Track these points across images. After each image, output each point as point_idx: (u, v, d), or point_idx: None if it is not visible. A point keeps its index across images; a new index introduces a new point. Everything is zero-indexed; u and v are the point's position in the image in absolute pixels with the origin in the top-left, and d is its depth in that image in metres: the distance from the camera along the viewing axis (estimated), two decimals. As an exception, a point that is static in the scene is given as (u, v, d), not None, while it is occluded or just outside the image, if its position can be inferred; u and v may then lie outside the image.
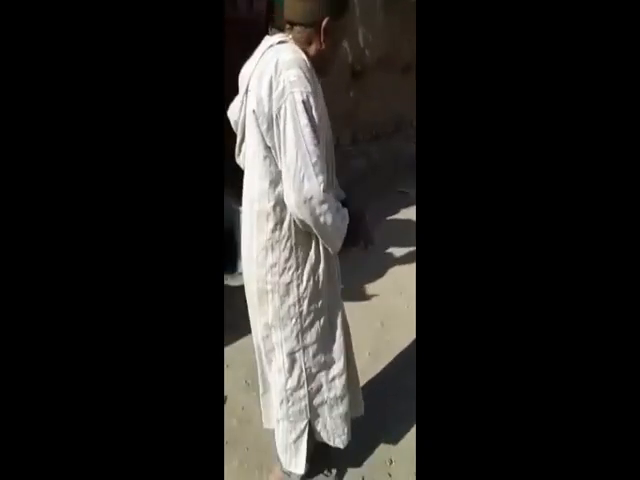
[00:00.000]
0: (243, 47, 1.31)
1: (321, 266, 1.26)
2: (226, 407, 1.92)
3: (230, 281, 2.85)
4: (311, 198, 1.08)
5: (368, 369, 2.11)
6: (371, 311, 2.54)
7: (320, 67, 1.16)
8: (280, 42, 1.15)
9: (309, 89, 1.05)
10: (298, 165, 1.07)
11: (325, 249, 1.25)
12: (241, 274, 1.42)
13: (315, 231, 1.16)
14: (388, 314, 2.57)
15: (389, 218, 3.85)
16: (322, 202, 1.09)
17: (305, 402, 1.40)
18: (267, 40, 1.19)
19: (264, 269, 1.27)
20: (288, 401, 1.40)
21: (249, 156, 1.23)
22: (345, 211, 1.19)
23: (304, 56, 1.12)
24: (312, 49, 1.15)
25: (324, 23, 1.11)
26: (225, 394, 1.98)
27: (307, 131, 1.05)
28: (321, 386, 1.40)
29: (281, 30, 1.19)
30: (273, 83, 1.07)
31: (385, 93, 4.40)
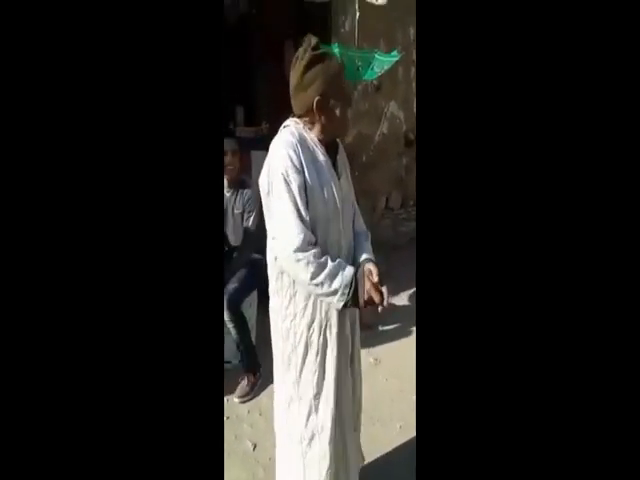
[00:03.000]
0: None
1: (316, 322, 1.33)
2: (254, 455, 1.94)
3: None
4: (288, 256, 1.22)
5: (397, 442, 2.03)
6: (408, 384, 2.47)
7: (334, 134, 1.35)
8: (285, 126, 1.33)
9: (289, 166, 1.22)
10: (280, 226, 1.25)
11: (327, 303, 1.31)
12: None
13: (300, 285, 1.29)
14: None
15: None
16: (297, 260, 1.21)
17: (302, 460, 1.42)
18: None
19: (273, 313, 1.41)
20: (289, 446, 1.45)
21: None
22: (340, 267, 1.23)
23: (301, 136, 1.28)
24: (316, 128, 1.31)
25: (314, 104, 1.25)
26: (255, 442, 2.00)
27: (286, 200, 1.22)
28: (314, 454, 1.41)
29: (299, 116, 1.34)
30: (269, 161, 1.27)
31: (437, 160, 4.48)
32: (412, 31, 4.17)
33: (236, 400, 2.21)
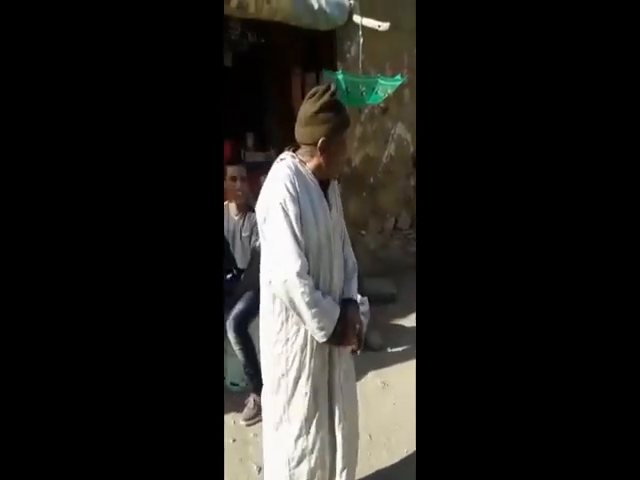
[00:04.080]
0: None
1: (309, 345, 1.38)
2: (259, 478, 1.92)
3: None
4: (285, 281, 1.27)
5: (403, 467, 2.00)
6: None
7: (326, 174, 1.42)
8: (282, 159, 1.41)
9: (287, 197, 1.30)
10: (276, 254, 1.31)
11: None
12: None
13: (292, 311, 1.33)
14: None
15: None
16: (295, 286, 1.26)
17: None
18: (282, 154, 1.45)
19: (263, 337, 1.45)
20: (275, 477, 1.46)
21: None
22: (330, 306, 1.33)
23: (297, 169, 1.36)
24: (312, 162, 1.39)
25: (319, 143, 1.34)
26: (260, 465, 1.97)
27: (284, 228, 1.29)
28: (302, 475, 1.42)
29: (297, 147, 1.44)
30: (267, 191, 1.35)
31: (446, 180, 4.48)
32: (418, 55, 4.25)
33: (242, 423, 2.22)
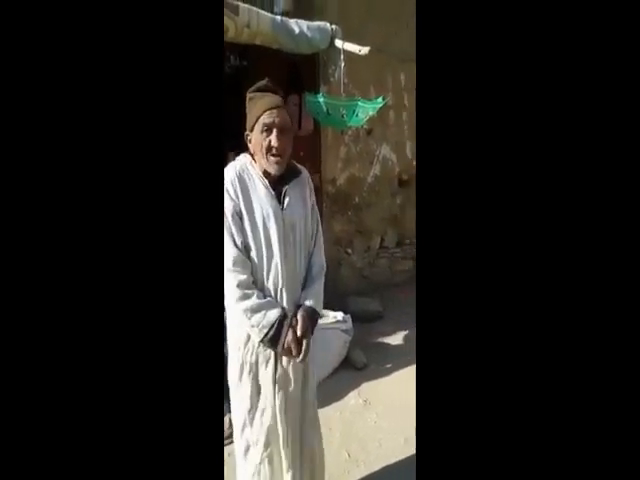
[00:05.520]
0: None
1: (252, 338, 1.35)
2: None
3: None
4: (225, 274, 1.28)
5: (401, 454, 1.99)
6: (398, 425, 2.42)
7: (268, 166, 1.35)
8: (237, 159, 1.44)
9: (226, 195, 1.31)
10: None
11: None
12: None
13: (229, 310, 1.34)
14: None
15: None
16: (229, 279, 1.28)
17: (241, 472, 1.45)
18: None
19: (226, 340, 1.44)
20: None
21: None
22: (268, 304, 1.30)
23: (243, 169, 1.38)
24: (257, 160, 1.39)
25: (245, 138, 1.41)
26: None
27: (225, 237, 1.29)
28: (249, 466, 1.42)
29: None
30: None
31: (432, 199, 4.52)
32: (402, 77, 4.35)
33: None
